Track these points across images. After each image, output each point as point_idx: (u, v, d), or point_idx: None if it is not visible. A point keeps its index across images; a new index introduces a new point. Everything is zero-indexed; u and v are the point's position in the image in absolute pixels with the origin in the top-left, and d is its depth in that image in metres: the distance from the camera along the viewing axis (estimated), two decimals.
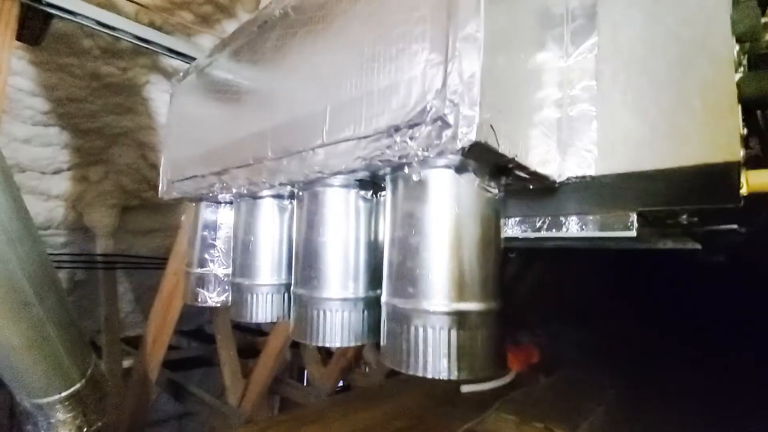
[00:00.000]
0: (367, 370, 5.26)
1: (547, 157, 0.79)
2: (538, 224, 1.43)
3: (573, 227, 1.35)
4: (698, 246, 1.52)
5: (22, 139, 3.73)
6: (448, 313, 0.68)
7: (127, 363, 4.67)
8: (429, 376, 0.69)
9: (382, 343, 0.82)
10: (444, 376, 0.68)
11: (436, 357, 0.68)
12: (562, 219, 1.37)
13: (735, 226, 1.28)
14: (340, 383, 5.00)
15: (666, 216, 1.25)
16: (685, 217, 1.21)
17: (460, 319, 0.68)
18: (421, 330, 0.70)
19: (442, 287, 0.69)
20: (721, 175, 0.71)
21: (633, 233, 1.22)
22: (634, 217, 1.23)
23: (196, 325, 7.76)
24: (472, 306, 0.69)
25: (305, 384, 5.80)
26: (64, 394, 1.86)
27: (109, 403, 2.15)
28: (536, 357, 3.46)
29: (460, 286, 0.69)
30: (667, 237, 1.41)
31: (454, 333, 0.68)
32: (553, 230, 1.40)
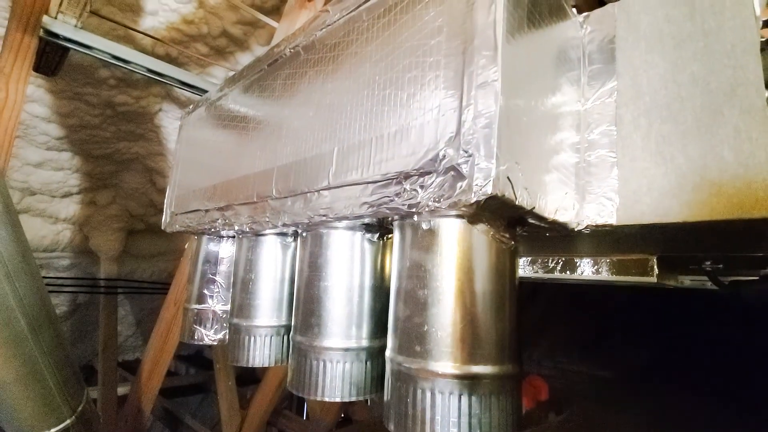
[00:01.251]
0: (369, 402, 5.06)
1: (565, 203, 0.75)
2: (551, 265, 1.36)
3: (588, 270, 1.28)
4: (716, 287, 1.44)
5: (34, 163, 3.79)
6: (459, 377, 0.62)
7: (122, 389, 4.55)
8: None
9: (384, 400, 0.75)
10: None
11: (444, 426, 0.61)
12: (577, 260, 1.30)
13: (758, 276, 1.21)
14: (342, 416, 4.81)
15: (688, 261, 1.18)
16: (709, 263, 1.15)
17: (472, 383, 0.62)
18: (428, 394, 0.63)
19: (452, 347, 0.63)
20: (756, 228, 0.66)
21: (653, 279, 1.15)
22: (654, 261, 1.16)
23: (195, 350, 7.61)
24: (485, 369, 0.63)
25: (305, 417, 5.59)
26: (53, 430, 1.80)
27: None
28: (545, 393, 3.28)
29: (473, 346, 0.63)
30: (685, 274, 1.34)
31: (465, 399, 0.61)
32: (567, 272, 1.33)
